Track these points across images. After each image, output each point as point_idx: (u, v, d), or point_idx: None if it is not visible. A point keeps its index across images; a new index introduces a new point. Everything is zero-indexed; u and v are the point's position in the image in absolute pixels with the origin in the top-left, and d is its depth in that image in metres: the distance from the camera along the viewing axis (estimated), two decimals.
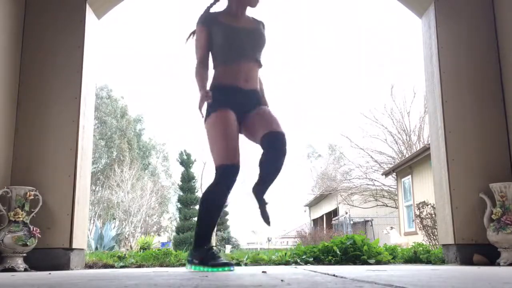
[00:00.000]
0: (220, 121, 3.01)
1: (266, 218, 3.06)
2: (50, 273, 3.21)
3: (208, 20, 3.19)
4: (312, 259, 4.67)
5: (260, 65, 3.20)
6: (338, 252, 4.65)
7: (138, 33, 55.98)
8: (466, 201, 4.14)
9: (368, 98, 41.15)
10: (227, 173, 2.96)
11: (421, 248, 5.04)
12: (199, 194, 23.29)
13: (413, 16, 4.97)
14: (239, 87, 3.09)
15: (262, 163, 3.02)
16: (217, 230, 24.16)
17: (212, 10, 3.28)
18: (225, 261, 2.94)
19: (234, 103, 3.07)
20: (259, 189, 3.05)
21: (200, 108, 3.02)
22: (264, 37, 3.24)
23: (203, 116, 3.07)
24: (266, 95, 3.34)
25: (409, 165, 14.22)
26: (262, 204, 3.06)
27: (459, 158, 4.22)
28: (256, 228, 38.03)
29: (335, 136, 23.55)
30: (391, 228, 13.78)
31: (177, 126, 50.41)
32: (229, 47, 3.13)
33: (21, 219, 3.80)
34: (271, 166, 3.03)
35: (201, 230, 3.07)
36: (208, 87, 3.11)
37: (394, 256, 4.83)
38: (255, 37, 3.19)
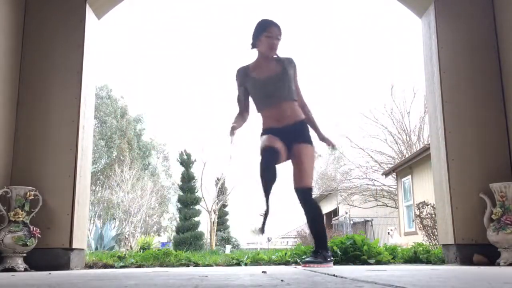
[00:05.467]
0: None
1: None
2: (50, 273, 3.21)
3: (241, 76, 3.67)
4: None
5: (293, 99, 3.57)
6: (338, 252, 4.65)
7: (138, 33, 55.99)
8: (466, 201, 4.14)
9: (368, 98, 41.11)
10: None
11: (421, 248, 5.04)
12: (199, 194, 23.30)
13: (413, 16, 4.96)
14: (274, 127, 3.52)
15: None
16: (217, 230, 24.18)
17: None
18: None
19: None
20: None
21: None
22: (288, 72, 3.58)
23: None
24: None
25: (409, 165, 14.22)
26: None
27: (459, 158, 4.22)
28: (256, 228, 37.99)
29: (335, 136, 23.51)
30: (393, 229, 13.78)
31: (177, 126, 50.35)
32: (259, 97, 3.63)
33: (21, 219, 3.80)
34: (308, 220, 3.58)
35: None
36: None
37: (394, 256, 4.82)
38: (278, 79, 3.56)
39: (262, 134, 3.53)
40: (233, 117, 3.64)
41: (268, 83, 3.55)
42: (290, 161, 3.52)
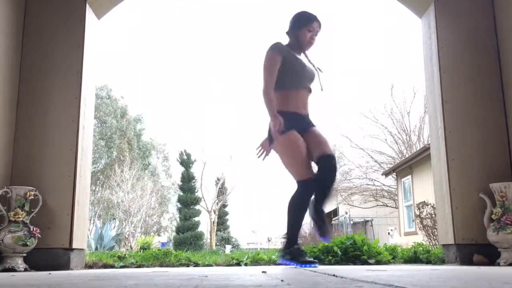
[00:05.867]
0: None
1: (323, 231, 3.43)
2: (50, 273, 3.21)
3: (284, 49, 3.55)
4: (312, 259, 4.66)
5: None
6: (338, 252, 4.65)
7: (138, 33, 55.98)
8: (466, 201, 4.14)
9: (368, 98, 41.12)
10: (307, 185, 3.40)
11: (421, 248, 5.04)
12: (199, 194, 23.33)
13: (413, 16, 4.96)
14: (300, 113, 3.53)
15: (320, 183, 3.42)
16: (217, 230, 24.19)
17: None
18: (311, 259, 3.45)
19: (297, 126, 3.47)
20: (317, 206, 3.44)
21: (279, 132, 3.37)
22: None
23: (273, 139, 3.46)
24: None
25: (409, 165, 14.23)
26: (319, 220, 3.43)
27: (459, 158, 4.22)
28: (256, 228, 38.03)
29: (335, 136, 23.53)
30: (394, 229, 13.79)
31: (177, 126, 50.35)
32: (297, 75, 3.54)
33: (21, 219, 3.80)
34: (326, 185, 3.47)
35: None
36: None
37: (394, 256, 4.82)
38: (313, 70, 3.66)
39: (287, 119, 3.39)
40: (267, 103, 3.42)
41: (308, 68, 3.60)
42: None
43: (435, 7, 4.54)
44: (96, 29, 4.66)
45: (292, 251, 3.42)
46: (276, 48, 3.50)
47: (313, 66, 3.69)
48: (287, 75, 3.49)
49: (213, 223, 23.71)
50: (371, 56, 53.07)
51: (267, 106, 3.42)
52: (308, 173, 3.40)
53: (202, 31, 56.08)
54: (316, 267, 3.32)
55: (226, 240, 24.03)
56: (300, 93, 3.54)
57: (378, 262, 4.56)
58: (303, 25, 3.60)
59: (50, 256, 3.92)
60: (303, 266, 3.33)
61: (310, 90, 3.64)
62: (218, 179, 25.63)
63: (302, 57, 3.66)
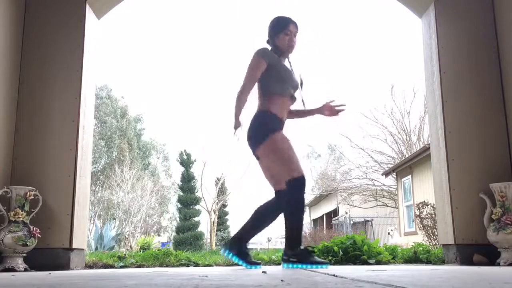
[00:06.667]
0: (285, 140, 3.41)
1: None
2: (50, 273, 3.21)
3: (270, 55, 3.51)
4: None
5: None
6: (338, 252, 4.65)
7: (138, 33, 55.97)
8: (466, 201, 4.14)
9: (368, 98, 41.17)
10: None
11: (421, 248, 5.04)
12: (199, 194, 23.34)
13: (413, 16, 4.97)
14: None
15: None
16: (217, 230, 24.18)
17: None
18: (321, 260, 3.30)
19: None
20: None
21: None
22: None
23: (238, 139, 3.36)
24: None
25: (409, 165, 14.22)
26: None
27: (459, 158, 4.22)
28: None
29: (335, 136, 23.54)
30: (394, 229, 13.79)
31: (177, 126, 50.36)
32: (284, 82, 3.50)
33: (21, 219, 3.80)
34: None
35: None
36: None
37: (394, 256, 4.83)
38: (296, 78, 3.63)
39: (272, 120, 3.37)
40: (236, 105, 3.38)
41: (293, 75, 3.57)
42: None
43: (435, 7, 4.54)
44: (96, 29, 4.66)
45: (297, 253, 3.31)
46: (261, 54, 3.46)
47: (299, 75, 3.65)
48: (272, 80, 3.45)
49: (213, 223, 23.71)
50: (371, 56, 53.06)
51: (235, 108, 3.37)
52: (301, 169, 3.32)
53: (202, 30, 56.09)
54: (327, 267, 3.20)
55: (226, 240, 24.01)
56: (283, 99, 3.47)
57: (378, 262, 4.56)
58: (280, 30, 3.54)
59: (50, 256, 3.92)
60: (314, 266, 3.19)
61: (293, 99, 3.56)
62: (218, 179, 25.64)
63: (287, 64, 3.62)
